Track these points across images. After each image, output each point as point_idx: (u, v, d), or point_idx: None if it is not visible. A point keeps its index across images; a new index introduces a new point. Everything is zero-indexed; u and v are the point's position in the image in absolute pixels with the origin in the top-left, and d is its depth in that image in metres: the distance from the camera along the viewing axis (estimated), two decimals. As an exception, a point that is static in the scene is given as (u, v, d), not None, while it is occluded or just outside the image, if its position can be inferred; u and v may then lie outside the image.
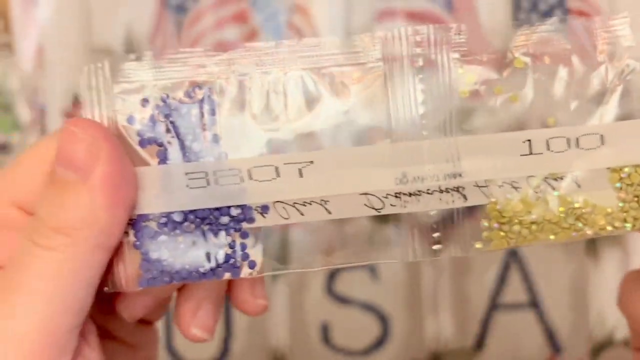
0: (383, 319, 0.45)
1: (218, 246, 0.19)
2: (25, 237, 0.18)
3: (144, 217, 0.19)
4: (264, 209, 0.19)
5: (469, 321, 0.45)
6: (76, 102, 0.45)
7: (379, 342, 0.45)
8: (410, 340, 0.45)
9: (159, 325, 0.45)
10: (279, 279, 0.45)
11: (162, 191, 0.19)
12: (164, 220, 0.19)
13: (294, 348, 0.45)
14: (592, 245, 0.45)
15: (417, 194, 0.20)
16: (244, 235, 0.19)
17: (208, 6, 0.46)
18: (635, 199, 0.22)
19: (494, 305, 0.45)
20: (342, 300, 0.45)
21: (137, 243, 0.19)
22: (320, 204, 0.19)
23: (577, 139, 0.21)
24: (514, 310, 0.45)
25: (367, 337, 0.45)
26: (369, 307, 0.45)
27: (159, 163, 0.19)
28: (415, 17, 0.46)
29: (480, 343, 0.45)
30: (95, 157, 0.17)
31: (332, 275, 0.45)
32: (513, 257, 0.45)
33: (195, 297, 0.21)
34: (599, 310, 0.45)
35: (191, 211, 0.19)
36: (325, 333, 0.45)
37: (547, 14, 0.46)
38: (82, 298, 0.18)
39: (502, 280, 0.45)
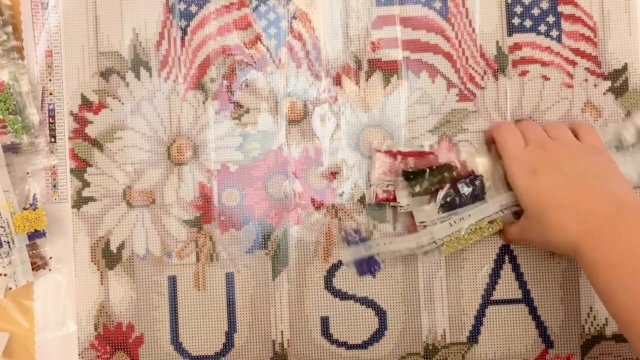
0: (380, 314, 0.46)
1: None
2: None
3: None
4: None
5: (463, 316, 0.46)
6: (84, 104, 0.46)
7: (377, 336, 0.46)
8: (407, 334, 0.46)
9: (165, 321, 0.45)
10: (280, 275, 0.46)
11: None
12: None
13: (294, 342, 0.46)
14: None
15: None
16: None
17: (212, 12, 0.46)
18: None
19: (488, 301, 0.46)
20: (341, 295, 0.46)
21: None
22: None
23: None
24: (507, 306, 0.46)
25: (365, 331, 0.46)
26: (367, 302, 0.46)
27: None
28: (412, 23, 0.46)
29: (474, 337, 0.46)
30: None
31: (332, 271, 0.46)
32: (506, 254, 0.46)
33: None
34: (590, 306, 0.46)
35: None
36: (325, 327, 0.46)
37: (539, 20, 0.47)
38: None
39: (495, 276, 0.46)
